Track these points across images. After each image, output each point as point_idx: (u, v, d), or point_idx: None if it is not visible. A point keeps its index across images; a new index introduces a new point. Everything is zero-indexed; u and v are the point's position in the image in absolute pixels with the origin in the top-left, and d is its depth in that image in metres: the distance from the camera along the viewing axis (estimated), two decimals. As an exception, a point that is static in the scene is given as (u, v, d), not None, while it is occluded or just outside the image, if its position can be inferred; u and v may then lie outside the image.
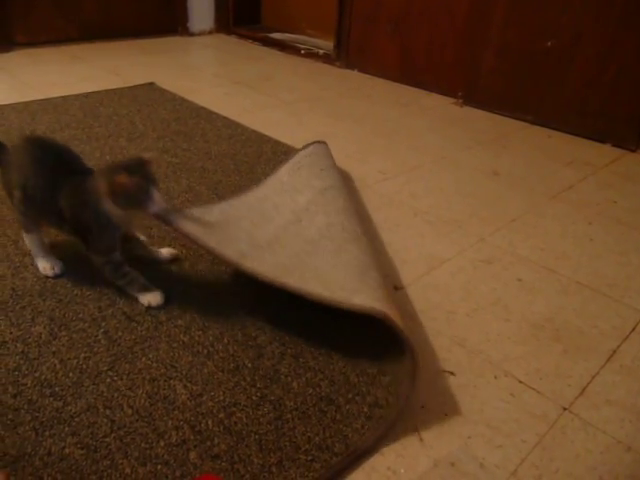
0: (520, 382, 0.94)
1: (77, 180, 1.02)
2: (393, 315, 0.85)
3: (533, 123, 2.21)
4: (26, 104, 2.04)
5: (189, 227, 1.02)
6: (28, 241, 1.12)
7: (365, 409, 0.85)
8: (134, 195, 0.96)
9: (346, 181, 1.50)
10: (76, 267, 1.13)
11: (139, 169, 0.98)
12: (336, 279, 0.93)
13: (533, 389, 0.93)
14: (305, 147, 1.50)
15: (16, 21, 2.78)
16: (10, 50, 2.76)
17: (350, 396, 0.87)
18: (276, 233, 1.10)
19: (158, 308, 1.04)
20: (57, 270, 1.12)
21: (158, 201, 0.98)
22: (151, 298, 1.05)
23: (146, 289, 1.05)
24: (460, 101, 2.42)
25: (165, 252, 1.19)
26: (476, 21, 2.28)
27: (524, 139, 2.07)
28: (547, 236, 1.40)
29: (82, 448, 0.76)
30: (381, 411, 0.84)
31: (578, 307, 1.14)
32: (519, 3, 2.13)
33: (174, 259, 1.19)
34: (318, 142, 1.54)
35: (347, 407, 0.85)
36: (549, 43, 2.09)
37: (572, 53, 2.04)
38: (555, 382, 0.94)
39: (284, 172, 1.37)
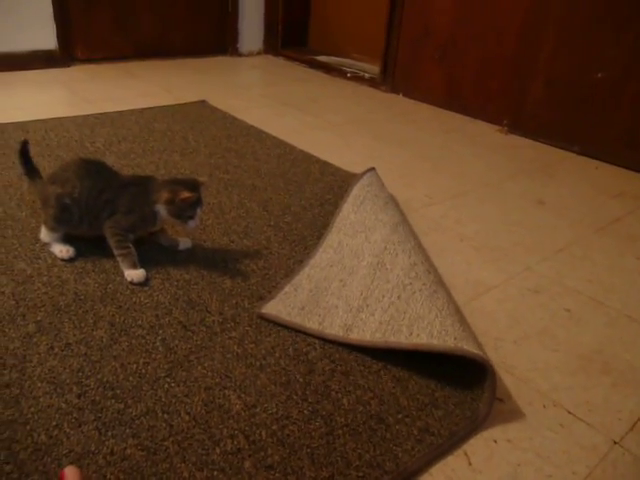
0: (569, 413, 0.94)
1: (142, 182, 1.23)
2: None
3: (579, 154, 2.20)
4: (85, 117, 2.14)
5: (287, 315, 1.09)
6: (48, 238, 1.24)
7: (415, 432, 0.86)
8: (185, 210, 1.17)
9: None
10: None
11: (195, 189, 1.17)
12: (441, 326, 0.96)
13: (582, 421, 0.92)
14: (360, 177, 1.53)
15: (77, 38, 2.92)
16: (70, 65, 2.89)
17: (400, 417, 0.88)
18: (365, 284, 1.13)
19: (140, 285, 1.16)
20: (71, 253, 1.23)
21: (197, 221, 1.20)
22: (135, 275, 1.17)
23: (134, 267, 1.18)
24: (505, 129, 2.43)
25: (182, 242, 1.32)
26: (525, 50, 2.30)
27: (570, 169, 2.07)
28: (594, 268, 1.39)
29: (142, 450, 0.80)
30: (432, 438, 0.85)
31: (628, 341, 1.13)
32: (570, 34, 2.15)
33: (188, 249, 1.32)
34: (369, 170, 1.57)
35: (397, 427, 0.86)
36: (599, 74, 2.09)
37: (622, 85, 2.04)
38: (605, 415, 0.94)
39: (349, 210, 1.40)
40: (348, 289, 1.14)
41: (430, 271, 1.13)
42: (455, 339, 0.92)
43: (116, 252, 1.19)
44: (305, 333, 1.05)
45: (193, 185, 1.19)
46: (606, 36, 2.05)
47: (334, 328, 1.05)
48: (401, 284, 1.08)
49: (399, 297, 1.05)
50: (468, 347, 0.91)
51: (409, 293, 1.05)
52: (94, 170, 1.22)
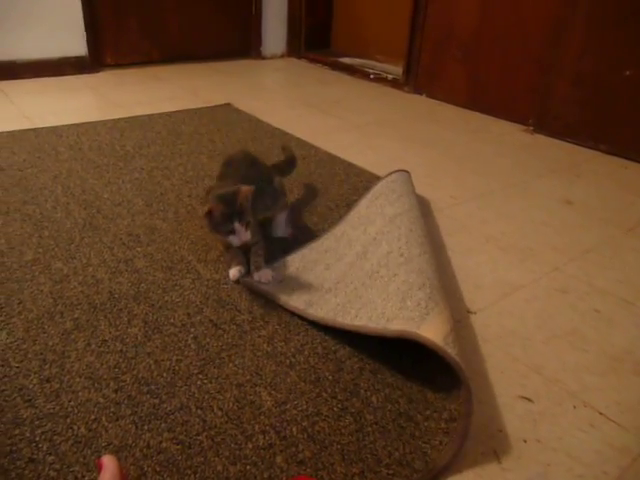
0: (600, 414, 0.93)
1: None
2: (432, 332, 0.87)
3: (607, 153, 2.18)
4: (115, 121, 2.19)
5: (264, 285, 1.17)
6: None
7: (442, 425, 0.87)
8: (217, 223, 1.13)
9: (421, 206, 1.52)
10: (166, 276, 1.21)
11: (231, 199, 1.12)
12: (382, 308, 0.98)
13: (614, 422, 0.92)
14: (387, 176, 1.54)
15: (106, 44, 2.98)
16: (99, 71, 2.96)
17: (428, 413, 0.89)
18: (344, 270, 1.18)
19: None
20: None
21: (240, 235, 1.12)
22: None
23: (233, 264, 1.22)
24: (531, 129, 2.42)
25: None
26: (552, 48, 2.28)
27: (598, 169, 2.04)
28: (625, 268, 1.38)
29: (177, 444, 0.82)
30: (455, 424, 0.85)
31: (659, 342, 1.12)
32: (597, 31, 2.12)
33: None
34: (400, 171, 1.57)
35: (425, 424, 0.87)
36: (627, 72, 2.06)
37: (652, 84, 2.01)
38: (637, 417, 0.93)
39: (363, 204, 1.43)
40: (328, 273, 1.19)
41: (402, 254, 1.10)
42: (387, 320, 0.93)
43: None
44: (299, 316, 1.10)
45: (231, 196, 1.12)
46: (634, 33, 2.02)
47: (297, 302, 1.10)
48: (370, 271, 1.11)
49: (363, 284, 1.09)
50: (394, 326, 0.90)
51: (372, 280, 1.08)
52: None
